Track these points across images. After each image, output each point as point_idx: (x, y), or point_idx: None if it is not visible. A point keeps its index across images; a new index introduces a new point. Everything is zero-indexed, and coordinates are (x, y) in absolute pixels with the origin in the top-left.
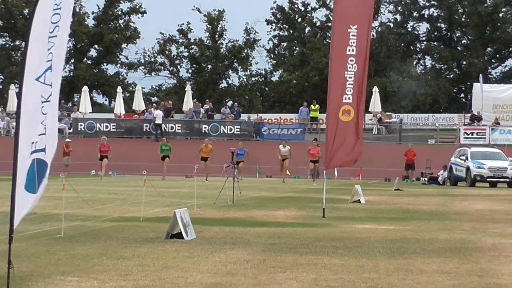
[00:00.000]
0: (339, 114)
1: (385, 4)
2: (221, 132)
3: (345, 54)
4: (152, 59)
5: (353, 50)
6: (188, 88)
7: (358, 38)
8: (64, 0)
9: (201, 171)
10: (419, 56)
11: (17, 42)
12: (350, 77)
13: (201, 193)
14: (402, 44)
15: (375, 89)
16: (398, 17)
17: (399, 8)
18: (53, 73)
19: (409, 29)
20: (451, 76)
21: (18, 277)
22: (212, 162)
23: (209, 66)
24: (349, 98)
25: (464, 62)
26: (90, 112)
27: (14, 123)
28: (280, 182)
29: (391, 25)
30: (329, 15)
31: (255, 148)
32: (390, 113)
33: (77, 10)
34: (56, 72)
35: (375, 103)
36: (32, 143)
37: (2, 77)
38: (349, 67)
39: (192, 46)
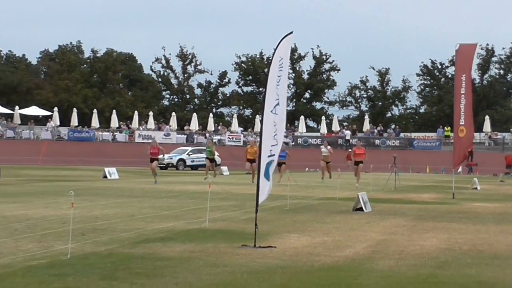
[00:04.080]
0: (458, 132)
1: (493, 63)
2: (387, 144)
3: (460, 93)
4: (344, 99)
5: (463, 90)
6: (366, 117)
7: (466, 82)
8: (284, 63)
9: (249, 170)
10: None
11: (260, 89)
12: (462, 107)
13: (374, 182)
14: (504, 88)
15: (487, 117)
16: (501, 71)
17: (502, 66)
18: (280, 107)
19: (509, 79)
20: None
21: (261, 234)
22: (378, 162)
23: (380, 103)
24: (462, 121)
25: None
26: (305, 132)
27: (258, 138)
28: (428, 175)
29: (497, 76)
30: None
31: (409, 155)
32: (496, 132)
33: (297, 68)
34: (282, 106)
35: (486, 126)
36: (269, 150)
37: (251, 110)
38: (462, 101)
39: (369, 90)
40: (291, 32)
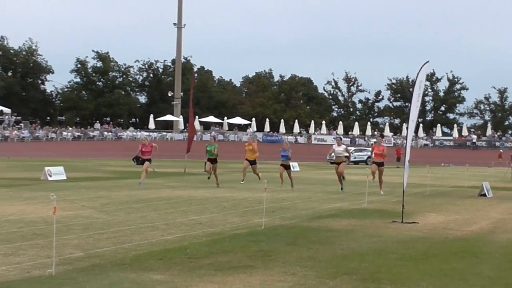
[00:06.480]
0: None
1: None
2: (505, 146)
3: None
4: (471, 111)
5: None
6: (488, 125)
7: None
8: (422, 84)
9: (244, 170)
10: None
11: (406, 104)
12: None
13: (495, 174)
14: None
15: None
16: None
17: None
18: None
19: None
20: None
21: (407, 212)
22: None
23: (499, 114)
24: None
25: None
26: (440, 136)
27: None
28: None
29: None
30: None
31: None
32: None
33: (435, 88)
34: (413, 118)
35: None
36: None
37: (399, 119)
38: None
39: (491, 105)
40: (428, 61)
